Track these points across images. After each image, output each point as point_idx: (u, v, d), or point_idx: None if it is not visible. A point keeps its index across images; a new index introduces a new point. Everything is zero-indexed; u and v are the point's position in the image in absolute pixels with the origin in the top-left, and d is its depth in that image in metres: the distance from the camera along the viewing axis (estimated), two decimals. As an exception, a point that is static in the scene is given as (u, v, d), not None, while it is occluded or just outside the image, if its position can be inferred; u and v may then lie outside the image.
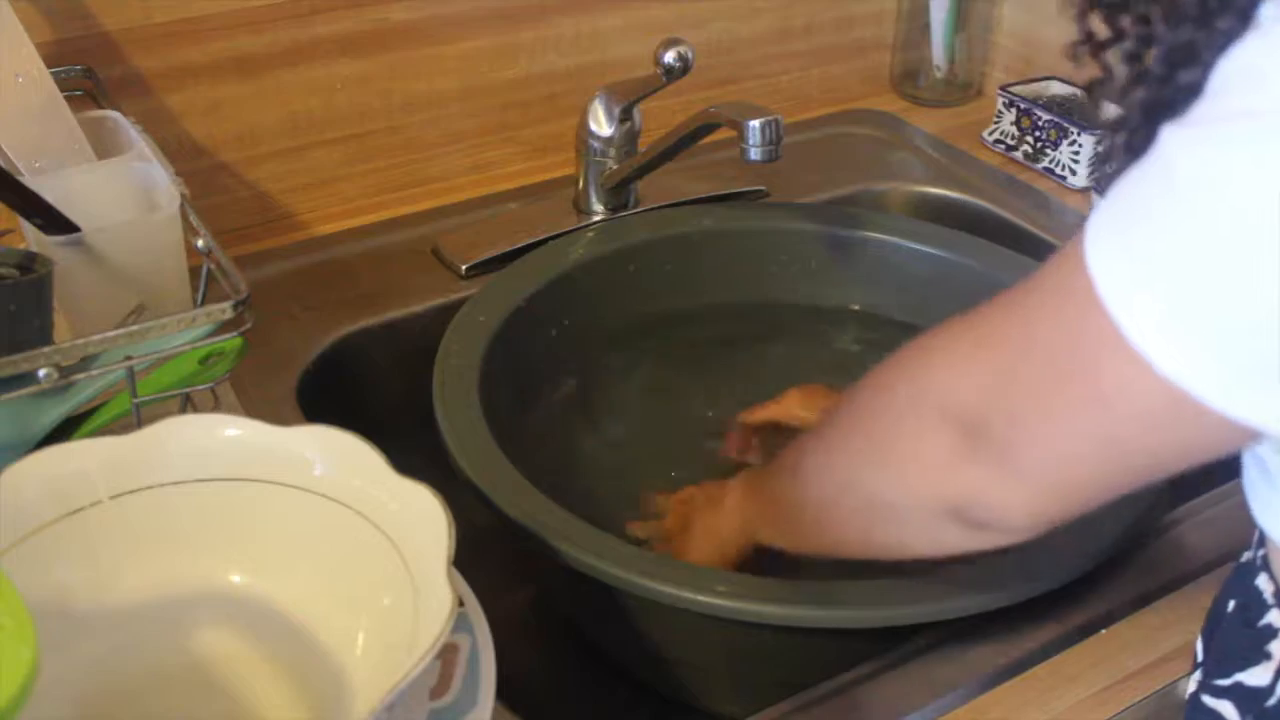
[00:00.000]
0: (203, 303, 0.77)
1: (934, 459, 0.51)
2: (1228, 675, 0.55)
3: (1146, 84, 0.46)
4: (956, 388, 0.50)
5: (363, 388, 0.90)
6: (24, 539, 0.56)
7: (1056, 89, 1.16)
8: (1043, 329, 0.46)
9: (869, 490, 0.57)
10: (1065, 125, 1.09)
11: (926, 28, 1.22)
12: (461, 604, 0.58)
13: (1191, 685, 0.58)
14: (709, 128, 0.90)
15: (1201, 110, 0.41)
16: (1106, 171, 0.49)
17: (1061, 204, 1.08)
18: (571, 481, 0.82)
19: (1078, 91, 1.14)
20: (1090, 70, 0.51)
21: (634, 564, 0.66)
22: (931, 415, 0.51)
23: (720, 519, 0.72)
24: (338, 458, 0.59)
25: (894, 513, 0.56)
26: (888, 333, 0.95)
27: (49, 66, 0.78)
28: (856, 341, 0.98)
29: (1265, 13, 0.41)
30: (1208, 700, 0.56)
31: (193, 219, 0.73)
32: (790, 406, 0.82)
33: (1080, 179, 1.09)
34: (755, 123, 0.85)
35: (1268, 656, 0.53)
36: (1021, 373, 0.47)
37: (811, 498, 0.62)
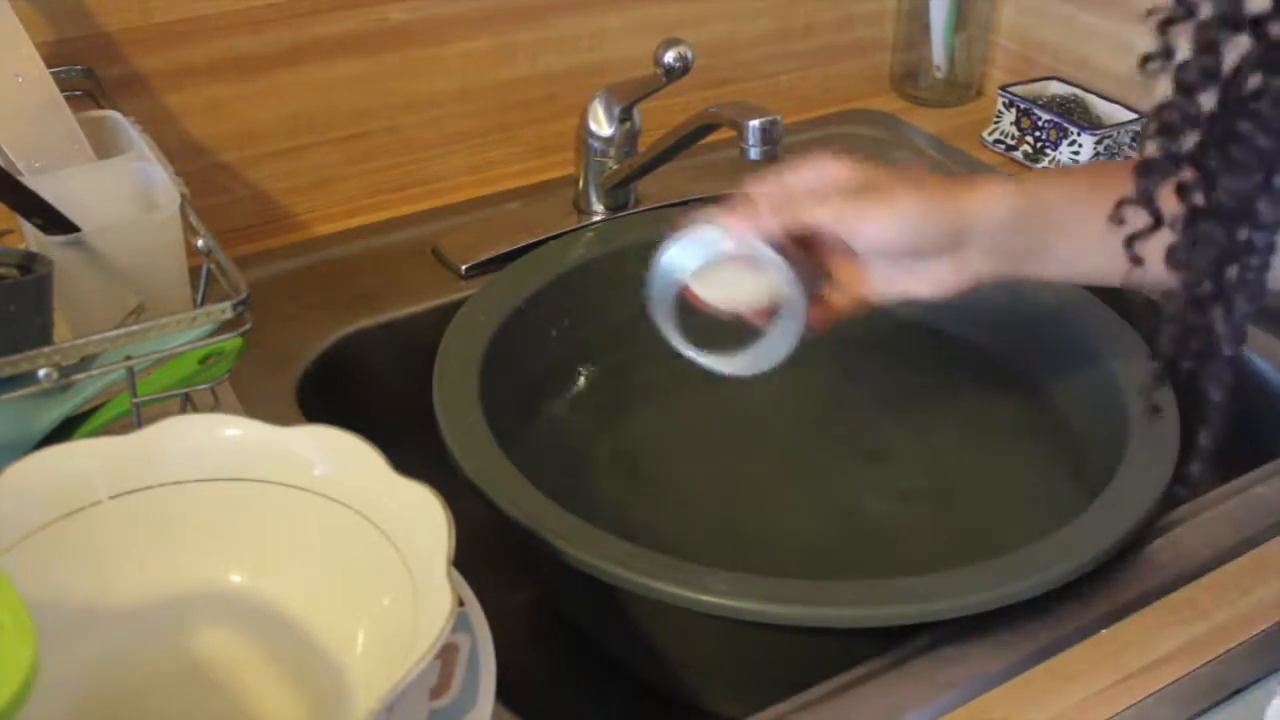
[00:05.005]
0: (203, 303, 0.77)
1: None
2: None
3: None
4: None
5: (363, 388, 0.90)
6: (24, 539, 0.56)
7: (1056, 89, 1.16)
8: None
9: None
10: (1065, 125, 1.09)
11: (926, 28, 1.22)
12: (461, 604, 0.58)
13: None
14: (709, 128, 0.90)
15: None
16: None
17: (1061, 204, 1.08)
18: (572, 481, 0.82)
19: (1078, 91, 1.14)
20: None
21: (634, 564, 0.66)
22: None
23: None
24: (338, 458, 0.60)
25: None
26: (886, 327, 0.95)
27: (49, 66, 0.78)
28: (855, 336, 0.97)
29: None
30: None
31: (193, 219, 0.73)
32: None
33: (1080, 179, 1.09)
34: (755, 123, 0.85)
35: None
36: None
37: None
